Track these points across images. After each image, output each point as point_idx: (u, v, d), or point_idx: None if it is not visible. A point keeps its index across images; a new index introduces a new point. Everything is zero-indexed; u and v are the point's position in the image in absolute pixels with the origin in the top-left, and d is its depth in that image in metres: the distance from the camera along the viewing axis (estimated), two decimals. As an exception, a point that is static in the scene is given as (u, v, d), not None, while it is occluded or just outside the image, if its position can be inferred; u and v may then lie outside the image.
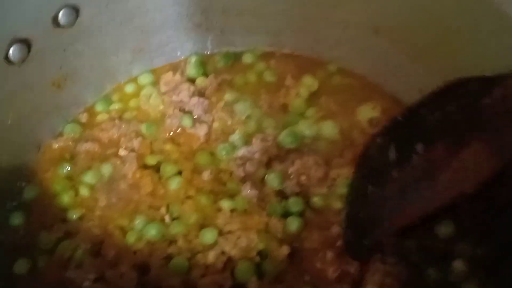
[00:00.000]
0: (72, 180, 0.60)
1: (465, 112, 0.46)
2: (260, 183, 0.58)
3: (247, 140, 0.61)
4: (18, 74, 0.56)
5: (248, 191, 0.56)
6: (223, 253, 0.53)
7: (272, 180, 0.58)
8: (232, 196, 0.57)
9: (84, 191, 0.59)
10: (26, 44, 0.55)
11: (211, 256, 0.52)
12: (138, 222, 0.55)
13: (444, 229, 0.53)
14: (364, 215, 0.52)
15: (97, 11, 0.61)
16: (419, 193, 0.47)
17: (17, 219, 0.57)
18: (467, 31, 0.53)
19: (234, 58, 0.72)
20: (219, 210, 0.56)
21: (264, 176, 0.58)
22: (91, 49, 0.63)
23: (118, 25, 0.64)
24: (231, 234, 0.54)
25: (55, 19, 0.56)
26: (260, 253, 0.54)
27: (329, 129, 0.62)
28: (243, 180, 0.58)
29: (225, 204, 0.56)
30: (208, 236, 0.54)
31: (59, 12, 0.56)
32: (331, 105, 0.65)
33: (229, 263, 0.53)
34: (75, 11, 0.58)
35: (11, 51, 0.53)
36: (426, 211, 0.47)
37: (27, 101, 0.59)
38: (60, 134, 0.65)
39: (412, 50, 0.61)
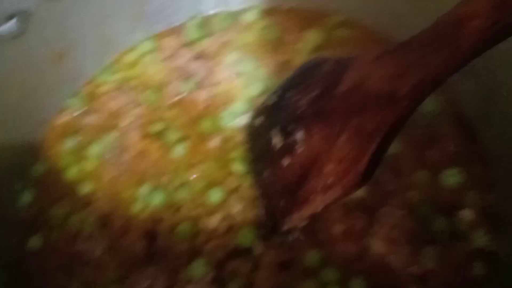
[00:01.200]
0: (78, 154, 0.60)
1: (327, 97, 0.44)
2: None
3: (250, 106, 0.60)
4: (17, 48, 0.55)
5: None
6: (224, 218, 0.53)
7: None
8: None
9: (90, 164, 0.59)
10: (23, 16, 0.54)
11: (213, 221, 0.53)
12: (143, 190, 0.56)
13: (452, 179, 0.51)
14: (270, 198, 0.50)
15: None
16: (312, 185, 0.44)
17: (26, 197, 0.58)
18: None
19: (234, 18, 0.70)
20: (229, 174, 0.56)
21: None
22: (90, 17, 0.62)
23: (115, -9, 0.63)
24: (238, 192, 0.54)
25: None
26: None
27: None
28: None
29: (237, 167, 0.56)
30: (215, 195, 0.54)
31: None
32: (336, 59, 0.63)
33: (233, 228, 0.53)
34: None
35: (7, 24, 0.52)
36: (325, 202, 0.43)
37: (29, 77, 0.59)
38: (64, 109, 0.64)
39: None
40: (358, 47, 0.63)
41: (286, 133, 0.47)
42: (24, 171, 0.60)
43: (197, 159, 0.58)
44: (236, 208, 0.53)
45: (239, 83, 0.62)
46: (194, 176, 0.56)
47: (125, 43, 0.69)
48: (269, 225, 0.51)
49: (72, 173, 0.59)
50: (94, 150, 0.59)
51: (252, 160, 0.54)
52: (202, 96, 0.62)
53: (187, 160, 0.58)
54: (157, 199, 0.54)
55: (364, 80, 0.40)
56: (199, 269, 0.50)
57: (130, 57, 0.68)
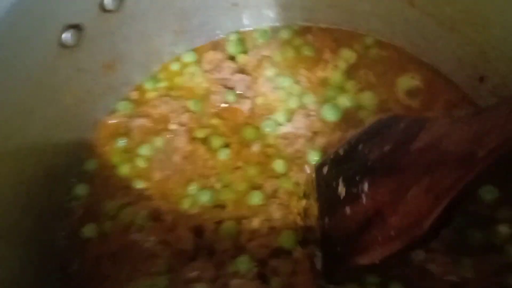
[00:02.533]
0: (129, 154, 0.65)
1: (400, 153, 0.45)
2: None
3: (289, 117, 0.65)
4: (72, 58, 0.59)
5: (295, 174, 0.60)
6: (265, 220, 0.57)
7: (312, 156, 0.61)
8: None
9: (140, 163, 0.64)
10: (77, 29, 0.58)
11: (255, 222, 0.57)
12: (192, 189, 0.60)
13: (488, 195, 0.54)
14: (331, 245, 0.51)
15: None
16: (373, 235, 0.45)
17: (81, 190, 0.63)
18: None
19: (271, 35, 0.74)
20: (268, 177, 0.61)
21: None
22: (137, 32, 0.67)
23: (160, 8, 0.67)
24: (276, 197, 0.58)
25: (101, 5, 0.59)
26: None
27: (368, 100, 0.64)
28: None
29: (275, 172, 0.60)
30: (256, 198, 0.59)
31: (105, -3, 0.59)
32: (369, 77, 0.67)
33: (274, 230, 0.57)
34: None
35: (64, 36, 0.56)
36: (384, 254, 0.44)
37: (82, 83, 0.63)
38: (114, 111, 0.69)
39: (447, 21, 0.62)
40: (392, 66, 0.68)
41: (353, 183, 0.48)
42: (79, 166, 0.65)
43: (240, 163, 0.62)
44: (276, 212, 0.57)
45: (278, 96, 0.67)
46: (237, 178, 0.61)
47: (168, 54, 0.74)
48: (325, 273, 0.53)
49: (124, 170, 0.63)
50: (144, 150, 0.64)
51: (319, 206, 0.56)
52: (243, 106, 0.67)
53: (231, 163, 0.62)
54: (204, 198, 0.59)
55: (441, 140, 0.42)
56: (243, 264, 0.54)
57: (174, 67, 0.73)
